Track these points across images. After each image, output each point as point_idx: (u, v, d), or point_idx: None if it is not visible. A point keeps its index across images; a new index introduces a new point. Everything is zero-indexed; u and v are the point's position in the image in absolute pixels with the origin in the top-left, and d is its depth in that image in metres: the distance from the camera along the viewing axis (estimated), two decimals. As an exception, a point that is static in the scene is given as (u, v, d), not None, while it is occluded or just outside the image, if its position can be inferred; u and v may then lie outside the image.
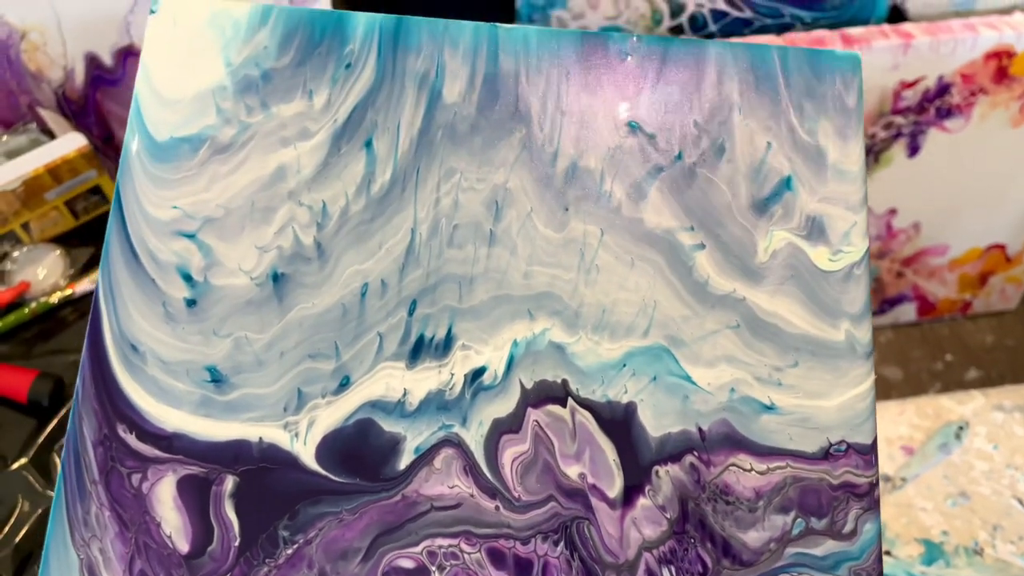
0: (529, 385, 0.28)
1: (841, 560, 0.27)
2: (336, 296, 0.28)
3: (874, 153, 0.86)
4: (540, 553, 0.27)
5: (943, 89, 0.77)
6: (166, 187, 0.28)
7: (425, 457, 0.27)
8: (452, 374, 0.28)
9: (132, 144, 0.29)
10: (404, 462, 0.27)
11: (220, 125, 0.29)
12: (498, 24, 0.30)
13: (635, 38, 0.30)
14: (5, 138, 0.64)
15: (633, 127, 0.29)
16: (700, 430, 0.27)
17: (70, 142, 0.59)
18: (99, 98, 0.73)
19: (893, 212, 0.92)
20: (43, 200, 0.61)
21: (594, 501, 0.27)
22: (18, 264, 0.61)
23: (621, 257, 0.28)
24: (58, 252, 0.61)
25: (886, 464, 0.55)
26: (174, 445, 0.27)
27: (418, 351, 0.28)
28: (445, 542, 0.27)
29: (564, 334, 0.28)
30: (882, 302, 1.00)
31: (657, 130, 0.29)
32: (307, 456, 0.27)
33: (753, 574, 0.27)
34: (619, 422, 0.27)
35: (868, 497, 0.27)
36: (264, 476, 0.27)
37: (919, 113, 0.80)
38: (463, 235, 0.28)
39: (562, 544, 0.27)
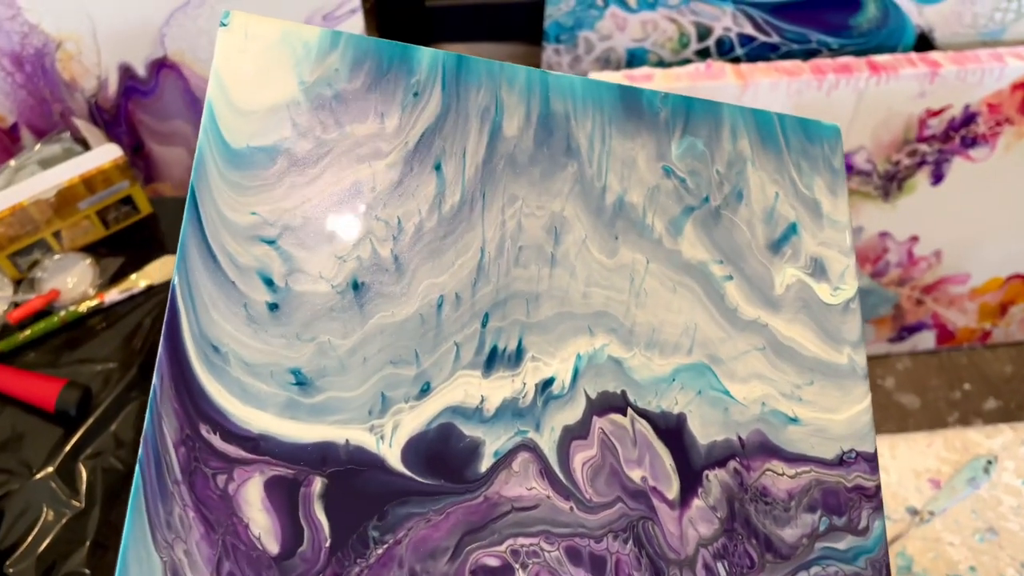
0: (593, 395, 0.54)
1: (860, 553, 0.56)
2: (414, 307, 0.53)
3: (898, 180, 1.35)
4: (612, 551, 0.52)
5: (969, 118, 1.24)
6: (244, 193, 0.52)
7: (504, 460, 0.52)
8: (524, 383, 0.53)
9: (207, 149, 0.52)
10: (485, 465, 0.51)
11: (296, 138, 0.53)
12: (547, 71, 0.59)
13: (663, 95, 0.62)
14: (39, 147, 0.97)
15: (667, 171, 0.60)
16: (740, 439, 0.56)
17: (106, 153, 0.93)
18: (131, 108, 1.13)
19: (915, 239, 1.44)
20: (75, 209, 0.94)
21: (656, 502, 0.53)
22: (48, 272, 0.95)
23: (665, 283, 0.57)
24: (88, 261, 0.96)
25: (913, 497, 0.87)
26: (260, 446, 0.48)
27: (492, 361, 0.53)
28: (527, 541, 0.51)
29: (621, 349, 0.55)
30: (901, 329, 1.53)
31: (686, 175, 0.60)
32: (393, 458, 0.50)
33: (791, 566, 0.54)
34: (673, 431, 0.55)
35: (876, 498, 0.57)
36: (352, 477, 0.49)
37: (944, 141, 1.29)
38: (527, 256, 0.55)
39: (631, 542, 0.52)
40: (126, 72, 1.10)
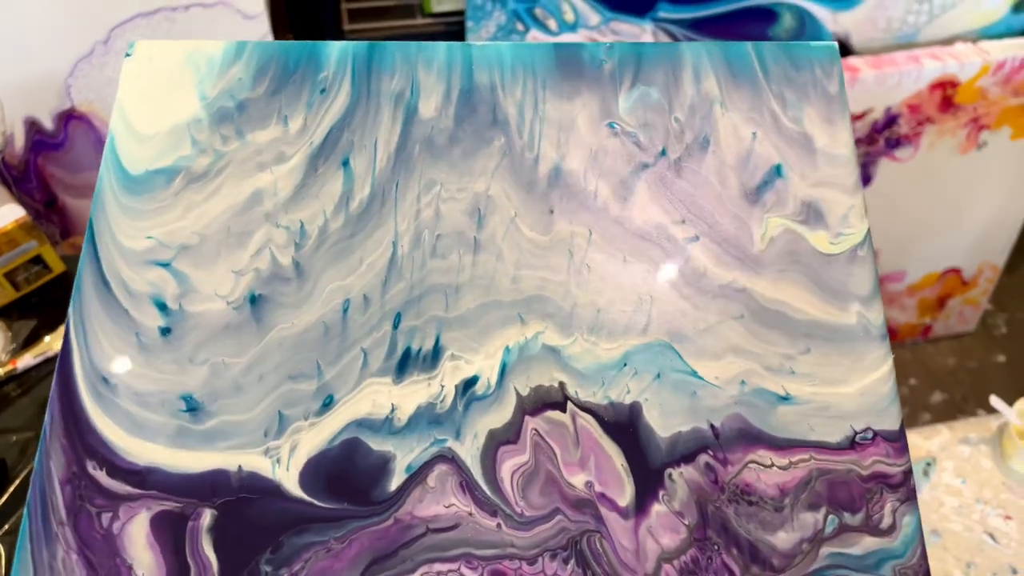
0: (525, 392, 0.44)
1: (884, 559, 0.42)
2: (316, 314, 0.46)
3: None
4: (549, 574, 0.42)
5: (891, 120, 1.17)
6: (140, 218, 0.48)
7: (418, 475, 0.43)
8: (442, 386, 0.45)
9: (105, 180, 0.49)
10: (395, 482, 0.43)
11: (195, 155, 0.49)
12: (471, 43, 0.51)
13: (608, 45, 0.51)
14: None
15: (613, 127, 0.49)
16: (713, 427, 0.44)
17: (7, 214, 0.85)
18: (41, 163, 1.07)
19: None
20: None
21: (604, 511, 0.42)
22: None
23: (613, 255, 0.47)
24: None
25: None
26: (147, 480, 0.43)
27: (405, 365, 0.45)
28: (444, 567, 0.42)
29: (558, 336, 0.45)
30: (845, 331, 1.41)
31: (638, 129, 0.49)
32: (290, 483, 0.43)
33: (788, 578, 0.41)
34: (624, 424, 0.44)
35: (903, 487, 0.43)
36: (244, 507, 0.43)
37: (869, 144, 1.20)
38: (446, 244, 0.47)
39: (572, 562, 0.42)
40: (33, 126, 1.03)
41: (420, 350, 0.44)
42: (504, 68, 0.49)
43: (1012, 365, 1.52)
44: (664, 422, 0.43)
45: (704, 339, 0.44)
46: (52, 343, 0.85)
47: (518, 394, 0.44)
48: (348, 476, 0.42)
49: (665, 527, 0.41)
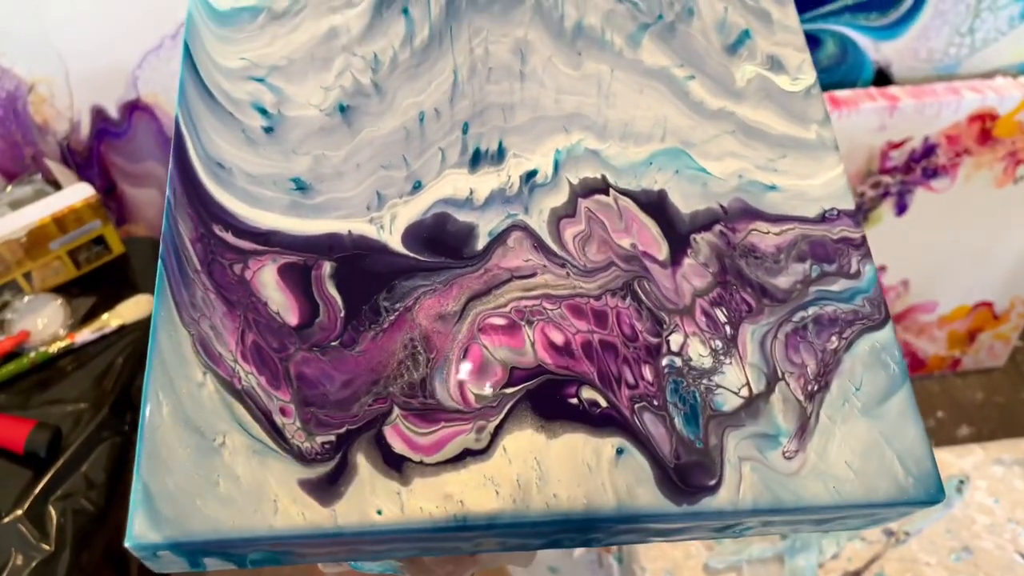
0: (575, 181, 0.59)
1: (855, 293, 0.59)
2: (398, 121, 0.59)
3: (863, 212, 1.39)
4: (612, 306, 0.56)
5: (929, 150, 1.26)
6: (232, 44, 0.59)
7: (499, 239, 0.56)
8: (509, 176, 0.58)
9: (196, 15, 0.59)
10: (481, 243, 0.56)
11: (274, -1, 0.61)
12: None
13: (606, -56, 0.69)
14: (9, 188, 0.99)
15: (619, -1, 0.66)
16: (722, 206, 0.60)
17: (78, 192, 0.94)
18: (103, 150, 1.16)
19: (882, 269, 1.47)
20: (47, 249, 0.94)
21: (648, 263, 0.57)
22: (18, 313, 0.95)
23: (631, 86, 0.63)
24: (59, 302, 0.97)
25: (889, 517, 0.86)
26: (271, 239, 0.54)
27: (476, 160, 0.58)
28: (529, 302, 0.55)
29: (597, 142, 0.60)
30: (873, 359, 1.53)
31: None
32: (394, 243, 0.55)
33: (789, 307, 0.58)
34: (655, 204, 0.59)
35: (863, 247, 0.61)
36: (358, 260, 0.54)
37: (906, 173, 1.33)
38: (498, 74, 0.61)
39: (629, 298, 0.56)
40: (99, 114, 1.13)
41: (487, 150, 0.58)
42: (525, -48, 0.66)
43: (1041, 403, 1.59)
44: (685, 203, 0.59)
45: (707, 147, 0.61)
46: (109, 320, 0.93)
47: (570, 183, 0.58)
48: (442, 239, 0.55)
49: (695, 274, 0.57)
